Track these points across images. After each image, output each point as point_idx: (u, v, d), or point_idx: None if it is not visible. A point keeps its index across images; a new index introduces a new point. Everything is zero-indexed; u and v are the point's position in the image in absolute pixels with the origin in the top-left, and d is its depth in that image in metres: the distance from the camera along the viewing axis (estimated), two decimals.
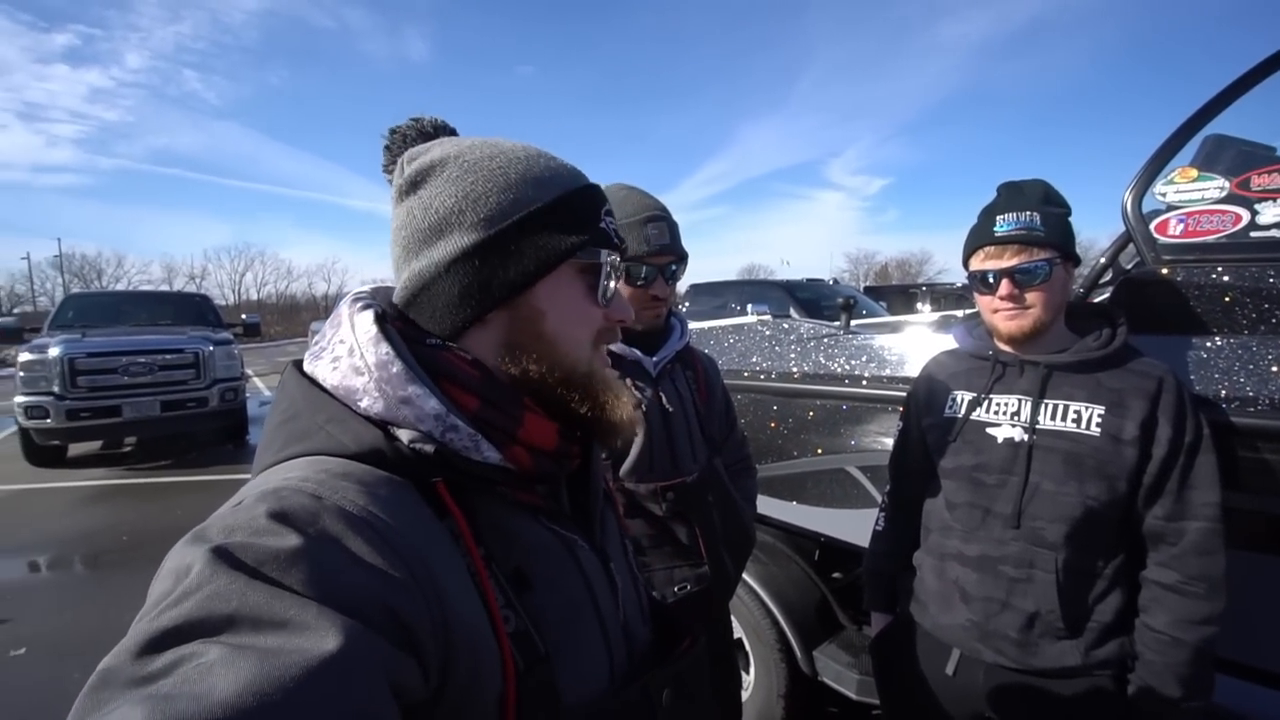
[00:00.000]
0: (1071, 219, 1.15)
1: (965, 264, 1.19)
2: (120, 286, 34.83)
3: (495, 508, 0.51)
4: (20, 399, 5.73)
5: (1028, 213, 1.09)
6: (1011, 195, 1.15)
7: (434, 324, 0.54)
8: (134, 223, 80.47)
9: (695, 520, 1.16)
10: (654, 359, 1.21)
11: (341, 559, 0.39)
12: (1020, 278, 1.09)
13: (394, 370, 0.48)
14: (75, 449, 6.55)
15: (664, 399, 1.20)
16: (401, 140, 0.60)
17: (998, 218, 1.12)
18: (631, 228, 1.13)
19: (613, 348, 1.17)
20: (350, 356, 0.50)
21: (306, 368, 0.52)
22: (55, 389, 5.74)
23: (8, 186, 71.98)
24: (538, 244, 0.53)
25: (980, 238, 1.14)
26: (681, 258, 1.18)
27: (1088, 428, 1.07)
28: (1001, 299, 1.11)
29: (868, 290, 11.38)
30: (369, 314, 0.52)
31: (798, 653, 1.97)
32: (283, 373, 0.54)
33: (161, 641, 0.33)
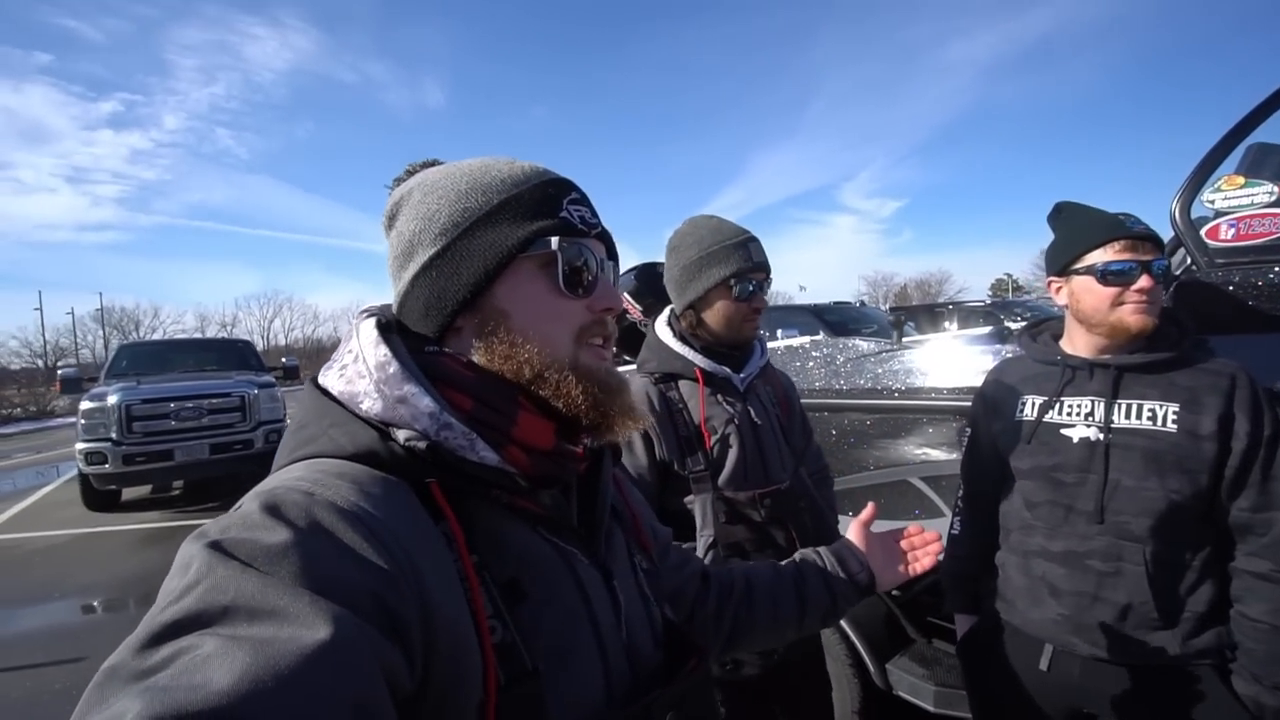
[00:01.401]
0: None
1: (1073, 260, 1.18)
2: (156, 336, 36.06)
3: (493, 515, 0.51)
4: (81, 445, 5.98)
5: (1141, 219, 1.15)
6: (1084, 208, 1.21)
7: (417, 337, 0.57)
8: (169, 275, 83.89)
9: (791, 524, 1.22)
10: (741, 375, 1.30)
11: (331, 550, 0.39)
12: (1160, 273, 1.13)
13: (391, 370, 0.50)
14: (127, 493, 6.76)
15: (753, 413, 1.29)
16: (396, 184, 0.63)
17: (1122, 216, 1.15)
18: (736, 247, 1.25)
19: (705, 365, 1.26)
20: (355, 363, 0.52)
21: (320, 380, 0.55)
22: (113, 435, 5.98)
23: (55, 246, 75.87)
24: (484, 246, 0.54)
25: (1113, 230, 1.14)
26: (768, 274, 1.29)
27: (1164, 425, 1.12)
28: (1138, 291, 1.12)
29: (893, 311, 11.37)
30: (372, 321, 0.55)
31: (870, 667, 1.98)
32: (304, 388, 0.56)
33: (161, 636, 0.34)
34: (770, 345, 2.56)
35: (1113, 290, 1.14)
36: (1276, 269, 1.31)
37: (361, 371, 0.51)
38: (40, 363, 33.49)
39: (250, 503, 0.42)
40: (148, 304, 50.34)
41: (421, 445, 0.48)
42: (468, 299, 0.55)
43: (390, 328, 0.56)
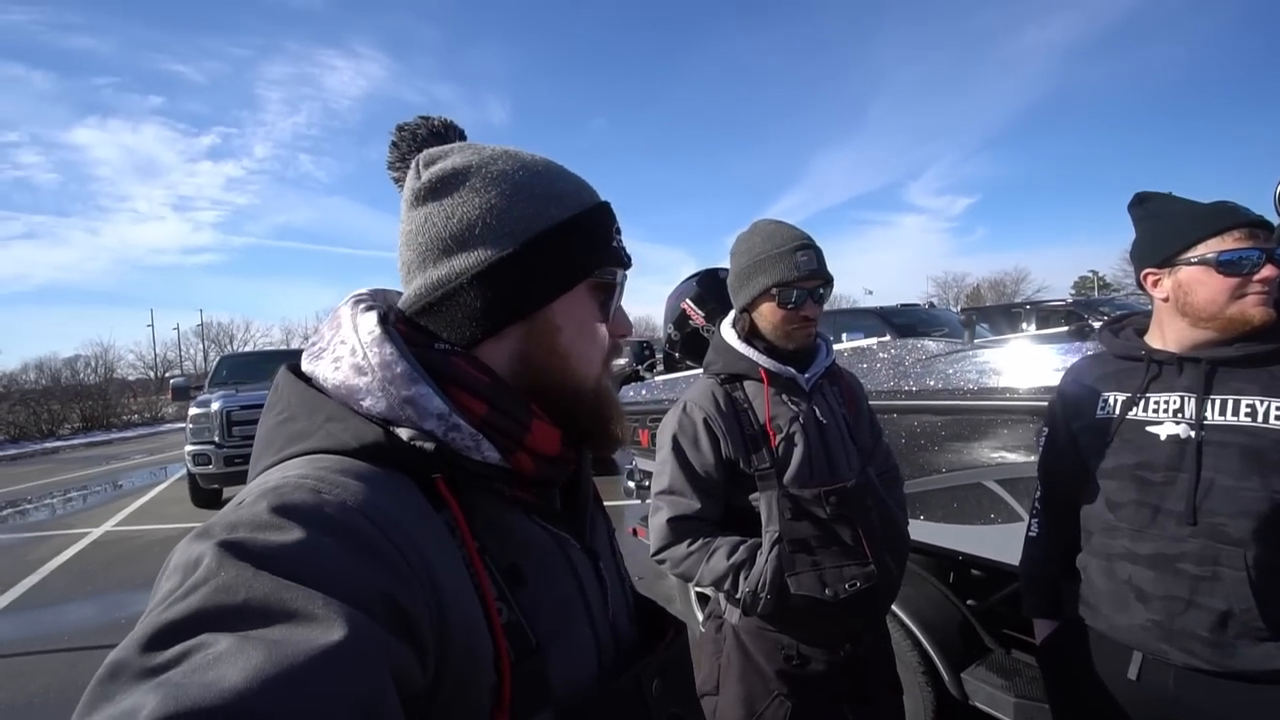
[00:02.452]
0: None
1: (1182, 250, 1.13)
2: (248, 348, 39.03)
3: (491, 505, 0.52)
4: (190, 448, 6.61)
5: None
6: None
7: (450, 332, 0.54)
8: (258, 292, 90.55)
9: (858, 522, 1.23)
10: (806, 375, 1.32)
11: (342, 550, 0.39)
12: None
13: (398, 371, 0.49)
14: (228, 491, 7.36)
15: (818, 412, 1.31)
16: (410, 138, 0.61)
17: (1237, 208, 1.11)
18: (783, 256, 1.26)
19: (769, 366, 1.29)
20: (352, 356, 0.50)
21: (305, 368, 0.53)
22: (216, 438, 6.57)
23: (163, 269, 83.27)
24: (559, 261, 0.55)
25: (1231, 217, 1.10)
26: (828, 281, 1.30)
27: (1266, 421, 1.06)
28: (1261, 280, 1.07)
29: (964, 313, 10.86)
30: (373, 315, 0.52)
31: (945, 676, 1.93)
32: (276, 376, 0.54)
33: (170, 633, 0.33)
34: (838, 347, 2.54)
35: (1233, 281, 1.07)
36: None
37: (361, 367, 0.50)
38: (151, 374, 36.93)
39: (257, 502, 0.41)
40: (240, 319, 54.67)
41: (429, 445, 0.48)
42: (534, 308, 0.55)
43: (387, 319, 0.54)
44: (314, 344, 0.54)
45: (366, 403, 0.49)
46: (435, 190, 0.55)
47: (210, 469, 6.57)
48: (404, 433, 0.48)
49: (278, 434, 0.50)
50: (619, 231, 0.60)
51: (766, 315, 1.30)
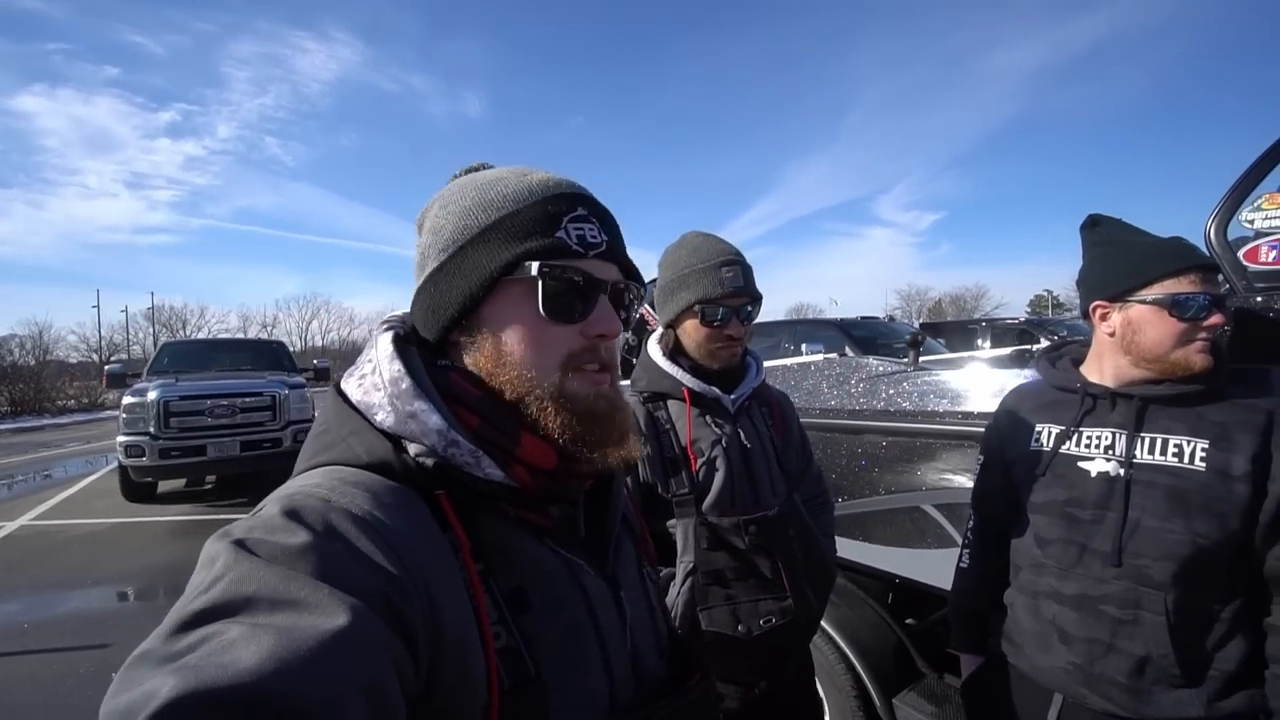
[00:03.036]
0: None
1: (1137, 287, 1.09)
2: (202, 335, 37.58)
3: (500, 526, 0.52)
4: (122, 438, 6.23)
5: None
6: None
7: (426, 345, 0.58)
8: (216, 276, 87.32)
9: (778, 554, 1.17)
10: (732, 396, 1.25)
11: (347, 552, 0.42)
12: (1227, 309, 1.06)
13: (403, 386, 0.52)
14: (163, 486, 7.01)
15: (743, 435, 1.24)
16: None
17: (1179, 242, 1.09)
18: (706, 272, 1.19)
19: (693, 385, 1.22)
20: (373, 374, 0.54)
21: (342, 385, 0.57)
22: (151, 429, 6.22)
23: (114, 248, 79.60)
24: (474, 266, 0.55)
25: (1188, 258, 1.07)
26: (755, 299, 1.23)
27: (1191, 462, 1.04)
28: (1209, 328, 1.05)
29: (924, 327, 11.09)
30: (389, 335, 0.57)
31: (876, 700, 1.90)
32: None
33: (189, 623, 0.36)
34: (783, 362, 2.50)
35: (1183, 326, 1.05)
36: None
37: (378, 384, 0.52)
38: (95, 357, 35.14)
39: (271, 507, 0.44)
40: (195, 304, 52.64)
41: (429, 462, 0.49)
42: (456, 317, 0.55)
43: (408, 339, 0.58)
44: (354, 365, 0.57)
45: (380, 416, 0.51)
46: (420, 225, 0.62)
47: (144, 461, 6.21)
48: (413, 448, 0.50)
49: (312, 445, 0.54)
50: (579, 220, 0.56)
51: (690, 332, 1.24)
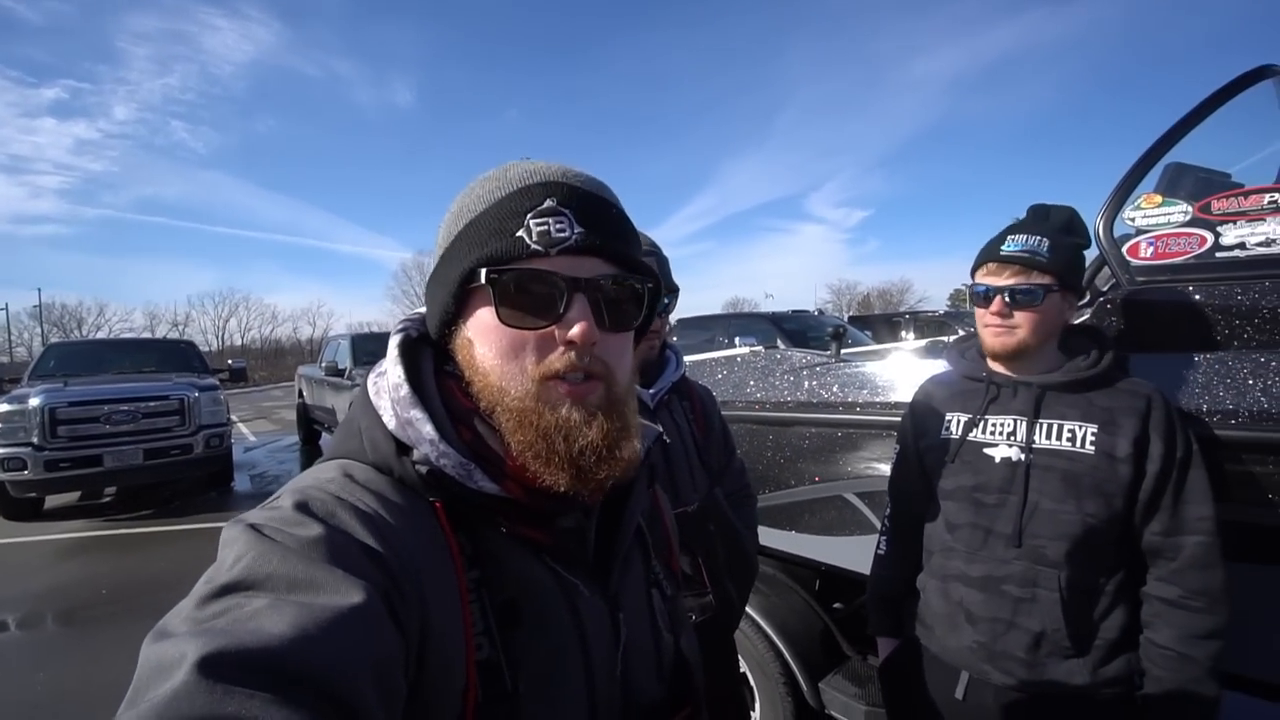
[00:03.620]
0: (1088, 252, 1.21)
1: (972, 275, 1.23)
2: (101, 335, 34.39)
3: (497, 538, 0.51)
4: None
5: (1037, 237, 1.14)
6: (1033, 217, 1.20)
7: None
8: (117, 272, 79.96)
9: (698, 549, 1.16)
10: (651, 391, 1.23)
11: (353, 545, 0.44)
12: (1014, 297, 1.13)
13: (402, 393, 0.52)
14: (52, 500, 6.36)
15: (662, 431, 1.21)
16: None
17: (1009, 237, 1.17)
18: None
19: None
20: (382, 376, 0.55)
21: (368, 380, 0.57)
22: (34, 439, 5.61)
23: None
24: (446, 276, 0.54)
25: (987, 254, 1.19)
26: (672, 291, 1.22)
27: (1082, 446, 1.10)
28: (992, 314, 1.16)
29: (852, 320, 11.55)
30: (399, 337, 0.57)
31: (803, 685, 1.94)
32: None
33: (215, 594, 0.39)
34: (709, 355, 2.52)
35: (980, 310, 1.19)
36: (1190, 288, 1.32)
37: (385, 387, 0.53)
38: None
39: (285, 499, 0.46)
40: (92, 301, 47.88)
41: (423, 469, 0.50)
42: (440, 326, 0.56)
43: (424, 340, 0.58)
44: (381, 360, 0.57)
45: (385, 418, 0.52)
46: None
47: (25, 475, 5.58)
48: (415, 453, 0.50)
49: (341, 431, 0.56)
50: (543, 214, 0.51)
51: None
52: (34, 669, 3.14)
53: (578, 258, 0.52)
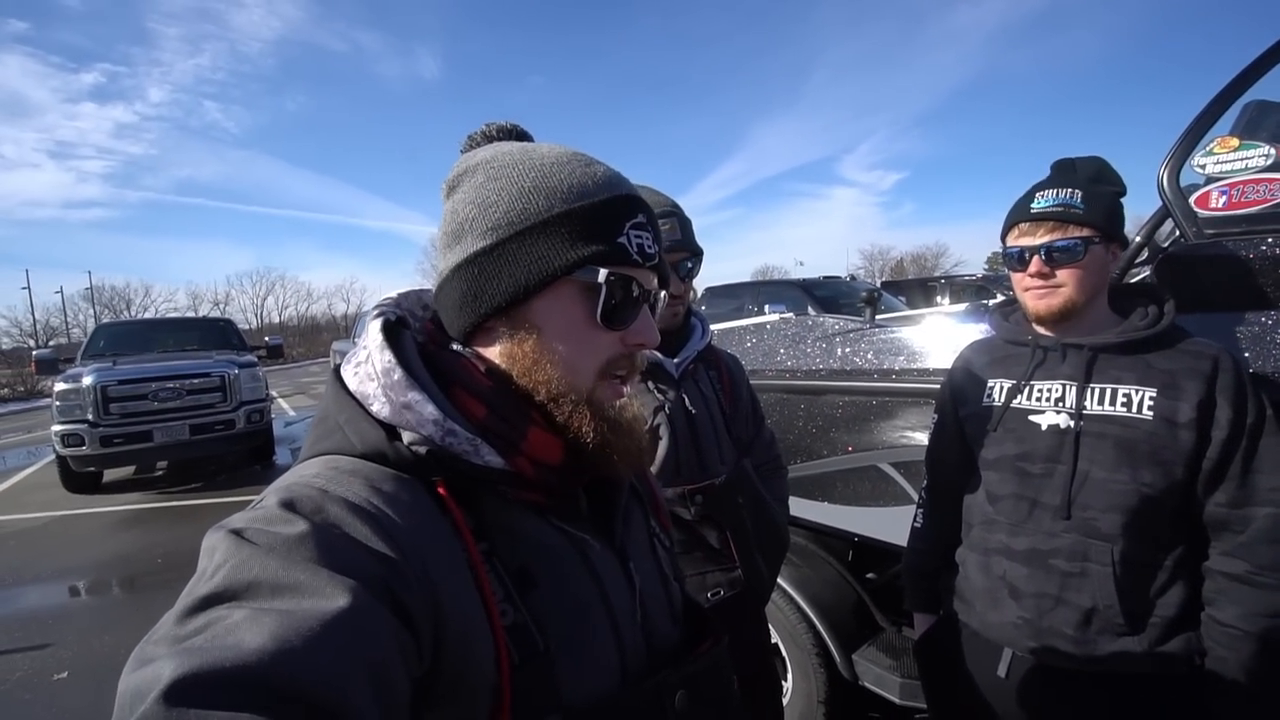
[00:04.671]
0: (1125, 199, 1.11)
1: (1003, 240, 1.16)
2: (148, 315, 35.71)
3: (501, 506, 0.52)
4: (57, 428, 5.89)
5: (1069, 190, 1.06)
6: (1060, 172, 1.12)
7: (447, 325, 0.57)
8: (160, 253, 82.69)
9: (726, 523, 1.13)
10: (675, 360, 1.18)
11: (344, 540, 0.42)
12: (1054, 255, 1.05)
13: (395, 377, 0.51)
14: (110, 474, 6.68)
15: (687, 401, 1.17)
16: (470, 144, 0.62)
17: (1038, 194, 1.09)
18: None
19: None
20: (366, 363, 0.53)
21: (342, 371, 0.56)
22: (90, 417, 5.88)
23: (41, 224, 74.47)
24: (532, 257, 0.52)
25: (1017, 213, 1.11)
26: (695, 254, 1.16)
27: (1139, 411, 1.02)
28: (1031, 276, 1.08)
29: (886, 285, 11.22)
30: (378, 323, 0.55)
31: (836, 657, 1.92)
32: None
33: (194, 608, 0.37)
34: (737, 323, 2.45)
35: (1017, 274, 1.11)
36: (1270, 240, 1.20)
37: (371, 374, 0.52)
38: (31, 342, 33.20)
39: (269, 499, 0.45)
40: (139, 282, 49.67)
41: (422, 450, 0.49)
42: (502, 306, 0.53)
43: (400, 325, 0.57)
44: (352, 350, 0.57)
45: (375, 407, 0.51)
46: (452, 187, 0.58)
47: (84, 450, 5.88)
48: (407, 436, 0.50)
49: (314, 431, 0.54)
50: (638, 227, 0.55)
51: None
52: (100, 632, 3.34)
53: (649, 272, 0.56)
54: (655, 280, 0.58)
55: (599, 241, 0.52)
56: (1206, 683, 0.99)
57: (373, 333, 0.54)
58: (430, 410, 0.50)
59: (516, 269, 0.52)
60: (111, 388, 6.00)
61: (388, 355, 0.52)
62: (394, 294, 0.61)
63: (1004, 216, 1.15)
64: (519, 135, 0.62)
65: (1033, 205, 1.08)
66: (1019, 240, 1.10)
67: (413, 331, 0.58)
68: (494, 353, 0.55)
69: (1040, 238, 1.07)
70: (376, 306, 0.59)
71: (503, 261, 0.53)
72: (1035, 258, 1.07)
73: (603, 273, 0.52)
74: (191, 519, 5.37)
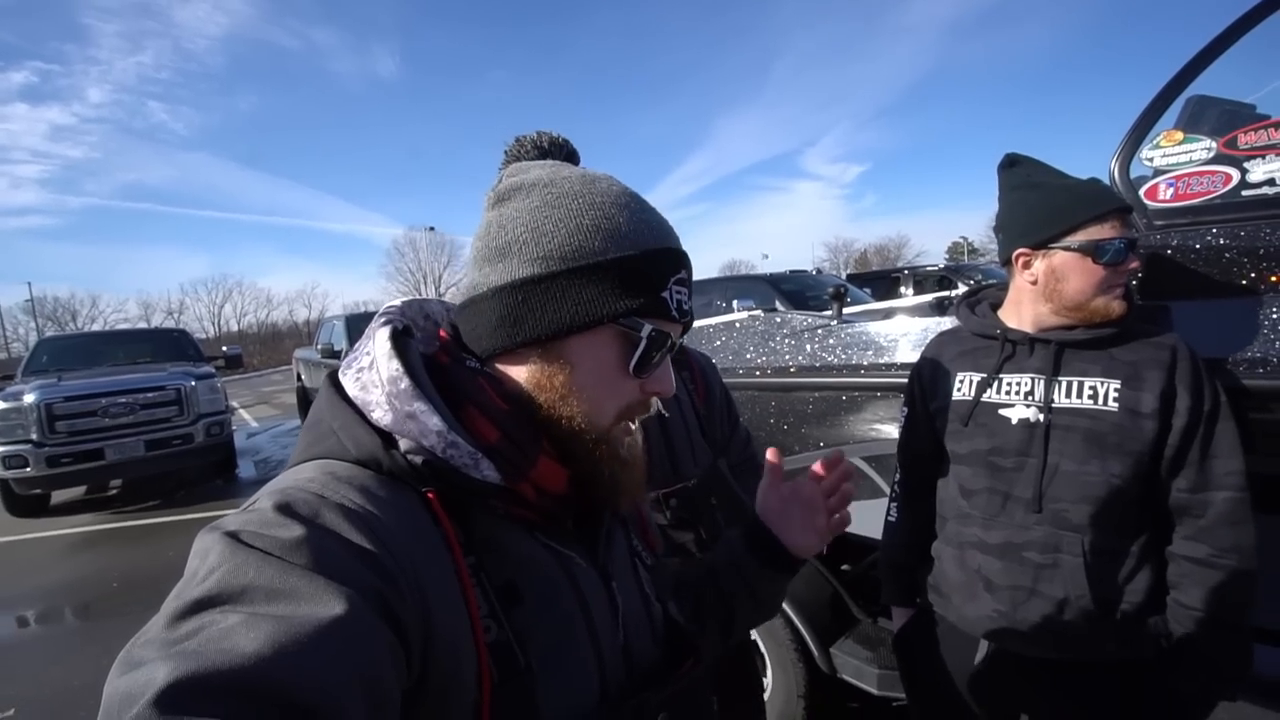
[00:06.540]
0: None
1: (1062, 234, 1.06)
2: (96, 327, 34.22)
3: (490, 521, 0.52)
4: None
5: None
6: (1094, 179, 1.11)
7: (471, 340, 0.56)
8: (107, 261, 78.95)
9: (701, 524, 1.12)
10: None
11: (339, 546, 0.42)
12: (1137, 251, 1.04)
13: (402, 386, 0.50)
14: (59, 496, 6.38)
15: (660, 403, 1.16)
16: (518, 149, 0.62)
17: (1096, 184, 1.06)
18: None
19: None
20: (369, 370, 0.53)
21: (339, 376, 0.55)
22: (33, 436, 5.57)
23: None
24: (582, 298, 0.53)
25: (1111, 202, 1.04)
26: None
27: (1105, 403, 1.04)
28: (1126, 272, 1.04)
29: (850, 278, 11.43)
30: (386, 330, 0.55)
31: (814, 651, 1.93)
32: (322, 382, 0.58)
33: (187, 611, 0.37)
34: (706, 322, 2.45)
35: (1105, 272, 1.03)
36: (1214, 230, 1.24)
37: (375, 381, 0.52)
38: None
39: (264, 501, 0.44)
40: (84, 293, 47.57)
41: (418, 460, 0.49)
42: (541, 338, 0.53)
43: (408, 333, 0.57)
44: (351, 356, 0.56)
45: (377, 414, 0.51)
46: (502, 198, 0.57)
47: (28, 472, 5.57)
48: (404, 445, 0.50)
49: (305, 436, 0.54)
50: (680, 283, 0.56)
51: None
52: (48, 664, 3.17)
53: (678, 327, 0.57)
54: (680, 333, 0.59)
55: (646, 294, 0.53)
56: (1171, 664, 1.02)
57: (380, 340, 0.54)
58: (435, 422, 0.50)
59: (564, 306, 0.52)
60: (57, 405, 5.69)
61: (395, 364, 0.51)
62: (397, 302, 0.61)
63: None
64: (569, 154, 0.62)
65: (1121, 200, 1.05)
66: (1119, 233, 1.02)
67: (417, 341, 0.57)
68: (520, 376, 0.55)
69: (1131, 232, 1.04)
70: (382, 314, 0.58)
71: (550, 295, 0.53)
72: (1134, 254, 1.03)
73: (648, 327, 0.54)
74: (149, 540, 5.14)
